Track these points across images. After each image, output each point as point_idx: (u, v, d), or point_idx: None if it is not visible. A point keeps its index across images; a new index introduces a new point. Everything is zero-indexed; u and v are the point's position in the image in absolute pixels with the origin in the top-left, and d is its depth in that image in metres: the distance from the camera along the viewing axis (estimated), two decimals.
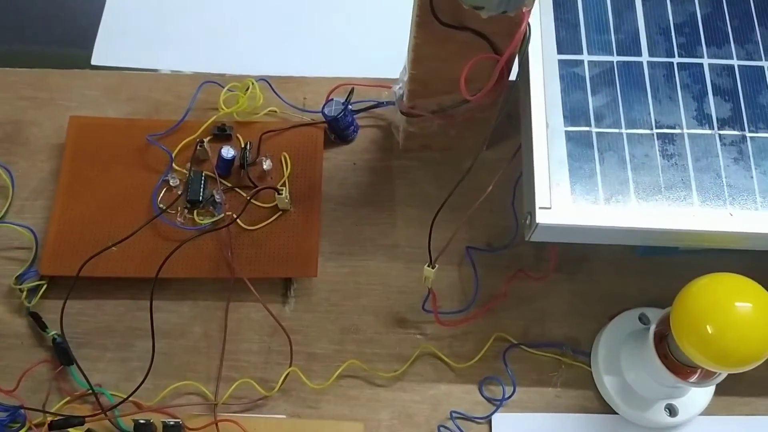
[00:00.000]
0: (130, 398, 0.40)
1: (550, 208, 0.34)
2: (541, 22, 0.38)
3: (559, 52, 0.38)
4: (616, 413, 0.41)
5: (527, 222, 0.35)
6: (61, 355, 0.41)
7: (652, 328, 0.37)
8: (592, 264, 0.46)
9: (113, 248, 0.40)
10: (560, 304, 0.45)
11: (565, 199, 0.34)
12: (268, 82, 0.49)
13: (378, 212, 0.47)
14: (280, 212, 0.45)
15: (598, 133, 0.36)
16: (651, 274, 0.45)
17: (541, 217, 0.34)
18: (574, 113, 0.36)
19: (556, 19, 0.38)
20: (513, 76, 0.40)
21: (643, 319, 0.43)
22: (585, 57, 0.38)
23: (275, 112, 0.48)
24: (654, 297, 0.44)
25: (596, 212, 0.34)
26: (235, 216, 0.43)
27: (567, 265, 0.45)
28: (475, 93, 0.40)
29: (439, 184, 0.48)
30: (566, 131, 0.36)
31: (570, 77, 0.37)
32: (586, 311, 0.44)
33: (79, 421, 0.38)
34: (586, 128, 0.36)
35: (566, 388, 0.42)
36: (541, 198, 0.34)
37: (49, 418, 0.39)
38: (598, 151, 0.36)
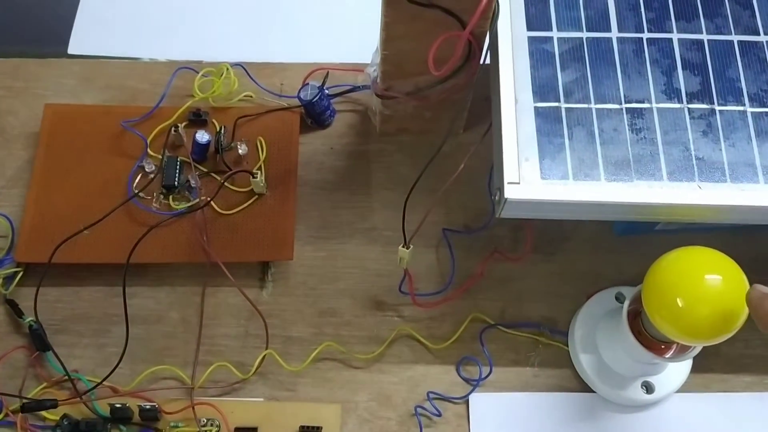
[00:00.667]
0: (107, 383, 0.40)
1: (518, 183, 0.34)
2: None
3: (529, 28, 0.38)
4: (594, 392, 0.41)
5: (497, 198, 0.35)
6: (37, 341, 0.41)
7: (626, 305, 0.37)
8: (570, 244, 0.46)
9: (85, 232, 0.40)
10: (537, 285, 0.45)
11: (534, 174, 0.34)
12: (244, 67, 0.49)
13: (355, 196, 0.47)
14: (256, 196, 0.45)
15: (567, 109, 0.36)
16: (628, 252, 0.45)
17: (510, 192, 0.34)
18: (543, 89, 0.36)
19: None
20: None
21: (620, 298, 0.43)
22: (554, 33, 0.38)
23: (251, 97, 0.48)
24: (631, 276, 0.44)
25: (565, 187, 0.34)
26: (208, 199, 0.43)
27: (544, 246, 0.45)
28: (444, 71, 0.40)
29: (415, 166, 0.47)
30: (535, 107, 0.36)
31: (539, 53, 0.37)
32: (563, 291, 0.44)
33: (52, 404, 0.38)
34: (555, 104, 0.36)
35: (544, 368, 0.42)
36: (509, 173, 0.34)
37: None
38: (567, 126, 0.35)
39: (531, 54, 0.37)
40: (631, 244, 0.45)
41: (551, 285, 0.45)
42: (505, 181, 0.34)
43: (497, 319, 0.43)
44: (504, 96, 0.36)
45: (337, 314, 0.44)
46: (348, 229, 0.46)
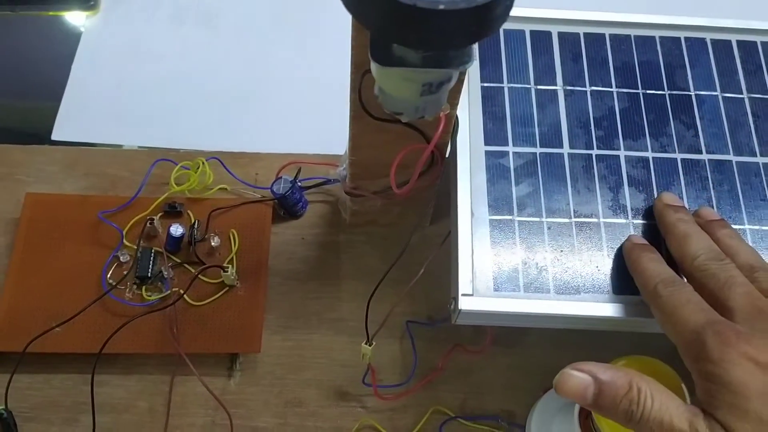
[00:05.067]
0: None
1: (471, 295, 0.36)
2: (469, 115, 0.41)
3: (486, 143, 0.40)
4: None
5: (452, 307, 0.37)
6: (6, 430, 0.42)
7: (577, 406, 0.39)
8: (529, 337, 0.47)
9: (57, 329, 0.41)
10: (497, 377, 0.46)
11: (488, 287, 0.36)
12: (219, 159, 0.51)
13: (324, 286, 0.49)
14: (227, 288, 0.46)
15: (520, 222, 0.38)
16: (586, 347, 0.46)
17: (464, 304, 0.35)
18: (498, 202, 0.38)
19: (484, 112, 0.41)
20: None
21: None
22: (510, 148, 0.40)
23: (226, 189, 0.50)
24: None
25: (516, 299, 0.36)
26: (182, 292, 0.45)
27: (504, 338, 0.47)
28: (408, 179, 0.42)
29: (383, 258, 0.50)
30: (490, 219, 0.38)
31: (495, 167, 0.40)
32: (521, 384, 0.46)
33: None
34: (509, 216, 0.38)
35: None
36: (463, 285, 0.36)
37: None
38: (520, 238, 0.38)
39: (488, 168, 0.40)
40: (589, 337, 0.47)
41: (510, 378, 0.46)
42: (460, 292, 0.36)
43: (457, 412, 0.45)
44: (461, 209, 0.38)
45: (303, 404, 0.45)
46: (316, 319, 0.48)
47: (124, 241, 0.47)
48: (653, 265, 0.35)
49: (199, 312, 0.45)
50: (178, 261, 0.47)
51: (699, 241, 0.35)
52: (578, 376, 0.32)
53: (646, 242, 0.37)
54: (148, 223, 0.46)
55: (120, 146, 0.54)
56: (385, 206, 0.48)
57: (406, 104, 0.32)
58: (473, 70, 0.42)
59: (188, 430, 0.44)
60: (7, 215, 0.50)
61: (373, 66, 0.30)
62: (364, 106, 0.37)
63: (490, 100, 0.42)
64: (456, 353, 0.46)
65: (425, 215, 0.49)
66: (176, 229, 0.46)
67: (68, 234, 0.47)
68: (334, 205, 0.52)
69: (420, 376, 0.46)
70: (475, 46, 0.29)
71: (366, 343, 0.42)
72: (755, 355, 0.29)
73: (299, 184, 0.50)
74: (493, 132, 0.41)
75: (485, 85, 0.42)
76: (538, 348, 0.47)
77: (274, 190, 0.49)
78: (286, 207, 0.50)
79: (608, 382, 0.31)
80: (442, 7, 0.23)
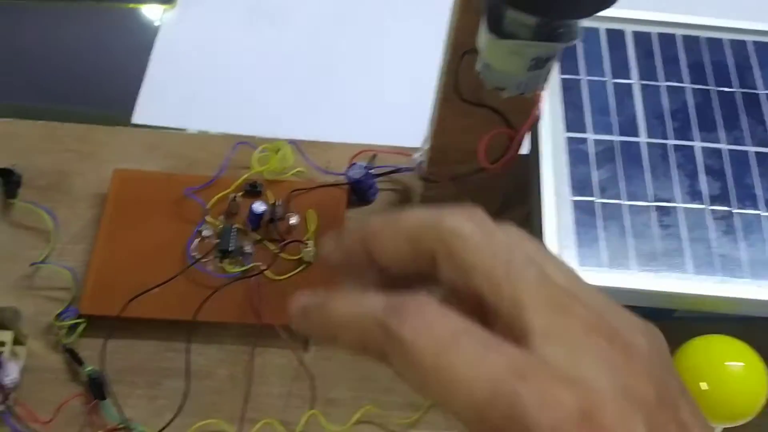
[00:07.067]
0: None
1: None
2: (550, 104, 0.43)
3: (567, 130, 0.42)
4: None
5: None
6: (96, 389, 0.44)
7: None
8: None
9: (155, 290, 0.43)
10: None
11: (572, 263, 0.38)
12: (296, 144, 0.53)
13: None
14: (305, 265, 0.48)
15: (602, 203, 0.40)
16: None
17: None
18: (580, 184, 0.40)
19: (563, 101, 0.43)
20: (522, 150, 0.45)
21: None
22: (590, 135, 0.42)
23: (302, 172, 0.52)
24: None
25: (601, 274, 0.38)
26: (265, 266, 0.47)
27: None
28: (491, 163, 0.44)
29: None
30: (573, 200, 0.40)
31: (576, 152, 0.42)
32: None
33: None
34: (591, 198, 0.40)
35: None
36: None
37: None
38: (601, 219, 0.39)
39: (569, 152, 0.41)
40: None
41: None
42: None
43: None
44: (545, 190, 0.40)
45: (377, 379, 0.47)
46: None
47: (208, 217, 0.49)
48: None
49: (279, 286, 0.47)
50: (258, 237, 0.49)
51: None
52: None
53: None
54: (232, 200, 0.48)
55: (196, 132, 0.57)
56: (456, 194, 0.50)
57: (510, 79, 0.34)
58: None
59: (267, 398, 0.45)
60: (92, 191, 0.52)
61: (484, 41, 0.32)
62: (458, 88, 0.39)
63: (569, 91, 0.44)
64: None
65: (493, 205, 0.51)
66: (259, 206, 0.48)
67: (153, 209, 0.50)
68: (402, 194, 0.54)
69: None
70: (581, 25, 0.32)
71: None
72: None
73: (371, 171, 0.52)
74: (573, 120, 0.43)
75: (564, 76, 0.44)
76: None
77: (349, 174, 0.52)
78: (359, 192, 0.52)
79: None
80: None
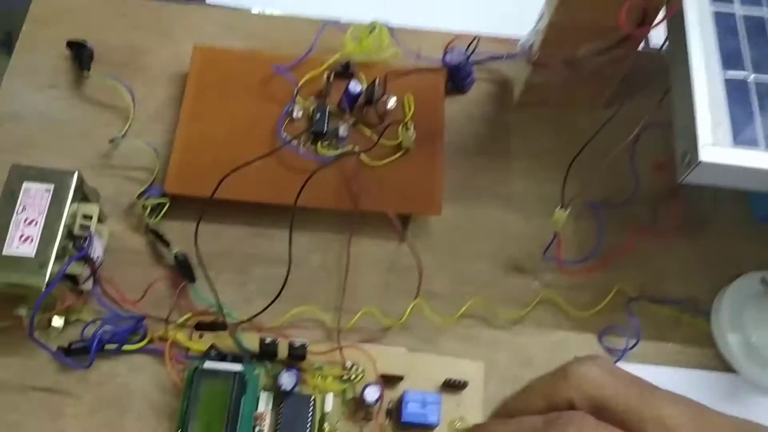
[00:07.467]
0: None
1: (713, 145, 0.34)
2: None
3: (711, 2, 0.38)
4: (736, 372, 0.41)
5: (686, 161, 0.35)
6: (185, 271, 0.41)
7: None
8: (709, 226, 0.45)
9: (245, 171, 0.40)
10: (675, 264, 0.44)
11: (727, 139, 0.34)
12: (388, 26, 0.49)
13: (493, 163, 0.47)
14: (404, 151, 0.45)
15: (756, 80, 0.36)
16: None
17: (705, 155, 0.33)
18: (730, 59, 0.36)
19: None
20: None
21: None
22: (737, 9, 0.38)
23: (399, 54, 0.48)
24: None
25: (758, 154, 0.34)
26: (362, 150, 0.43)
27: (681, 227, 0.45)
28: (618, 39, 0.40)
29: (554, 139, 0.48)
30: (723, 74, 0.36)
31: (724, 27, 0.37)
32: (702, 272, 0.44)
33: (222, 326, 0.38)
34: (744, 73, 0.36)
35: (685, 345, 0.42)
36: (704, 135, 0.34)
37: (171, 331, 0.39)
38: (756, 97, 0.36)
39: (716, 26, 0.37)
40: None
41: (689, 266, 0.44)
42: (700, 143, 0.34)
43: (637, 294, 0.43)
44: (695, 63, 0.36)
45: (478, 274, 0.44)
46: (487, 193, 0.46)
47: (298, 97, 0.45)
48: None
49: (377, 172, 0.44)
50: (353, 120, 0.45)
51: None
52: None
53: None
54: (328, 79, 0.45)
55: (276, 14, 0.52)
56: (565, 81, 0.46)
57: None
58: None
59: (363, 288, 0.42)
60: (169, 69, 0.48)
61: None
62: None
63: None
64: (636, 237, 0.44)
65: (603, 94, 0.47)
66: (355, 86, 0.45)
67: (238, 88, 0.46)
68: (500, 85, 0.50)
69: (599, 257, 0.44)
70: None
71: (560, 208, 0.40)
72: None
73: (470, 58, 0.48)
74: None
75: None
76: (718, 238, 0.45)
77: (447, 60, 0.48)
78: (456, 80, 0.48)
79: None
80: None
